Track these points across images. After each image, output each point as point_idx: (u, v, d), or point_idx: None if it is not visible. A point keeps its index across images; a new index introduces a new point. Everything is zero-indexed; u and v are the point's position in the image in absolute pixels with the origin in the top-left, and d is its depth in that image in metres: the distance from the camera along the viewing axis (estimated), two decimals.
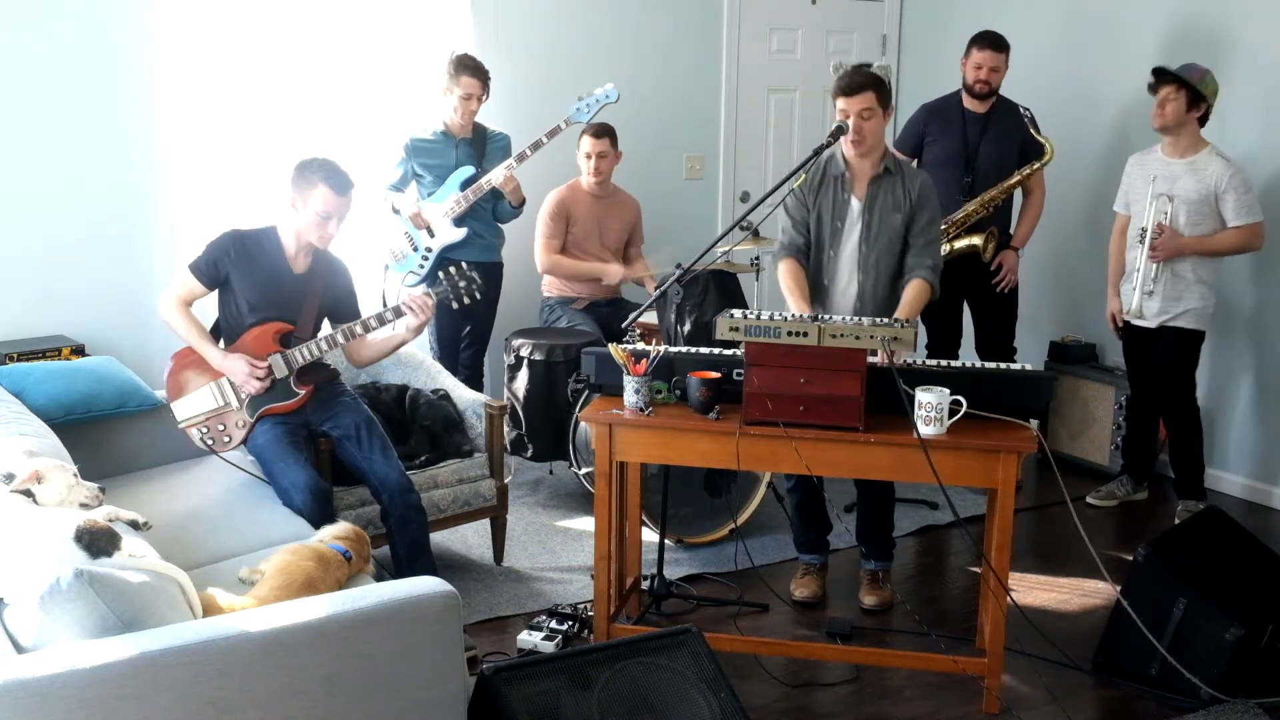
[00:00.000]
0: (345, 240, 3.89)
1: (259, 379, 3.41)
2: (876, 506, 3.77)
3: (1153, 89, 4.27)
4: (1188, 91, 4.16)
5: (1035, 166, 4.67)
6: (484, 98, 4.65)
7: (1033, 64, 5.37)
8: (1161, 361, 4.42)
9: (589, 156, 4.79)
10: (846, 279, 3.58)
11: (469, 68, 4.57)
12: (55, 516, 2.48)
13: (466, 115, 4.63)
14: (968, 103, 4.71)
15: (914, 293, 3.48)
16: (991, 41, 4.63)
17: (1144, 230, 4.23)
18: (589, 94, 4.57)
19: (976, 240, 4.61)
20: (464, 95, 4.57)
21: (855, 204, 3.55)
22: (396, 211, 4.70)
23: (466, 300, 3.54)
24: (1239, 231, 4.22)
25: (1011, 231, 4.85)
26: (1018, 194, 4.82)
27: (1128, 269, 4.44)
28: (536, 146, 4.53)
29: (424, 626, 2.26)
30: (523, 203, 4.71)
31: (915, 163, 4.73)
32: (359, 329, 3.49)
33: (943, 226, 4.37)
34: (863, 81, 3.44)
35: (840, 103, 3.46)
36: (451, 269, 3.53)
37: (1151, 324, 4.37)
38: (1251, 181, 4.27)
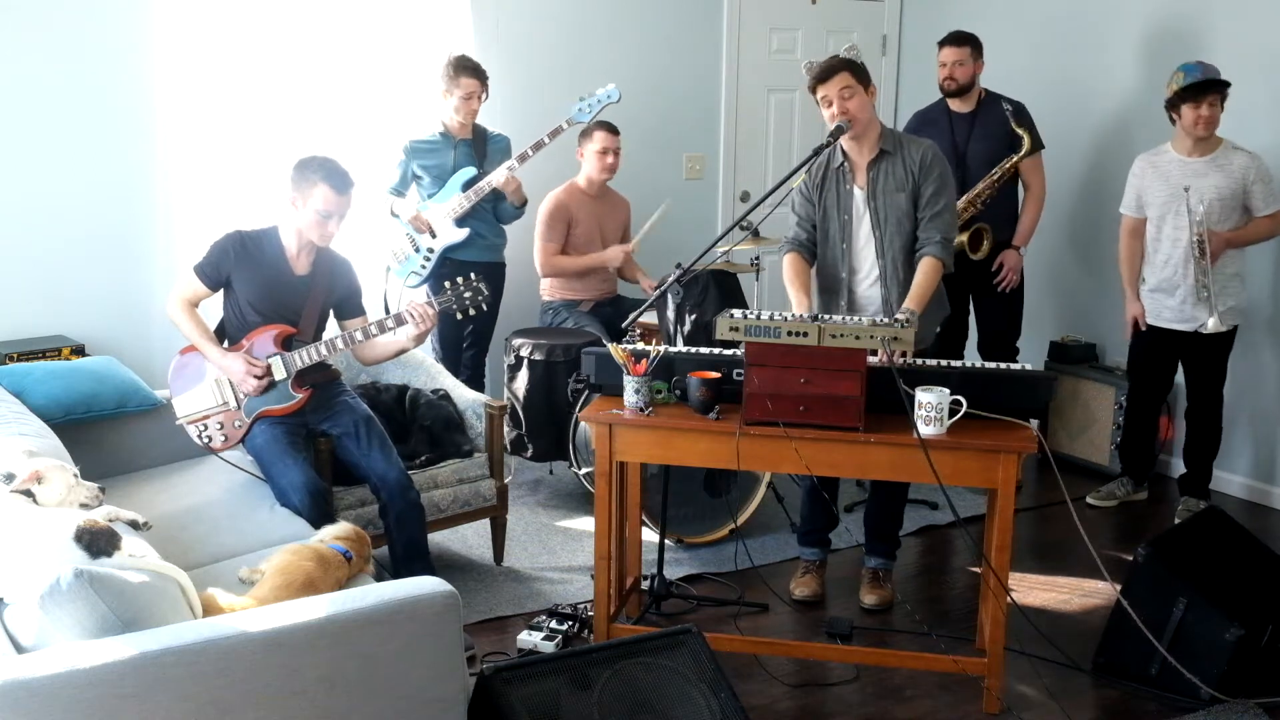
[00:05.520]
0: (347, 242, 3.89)
1: (256, 378, 3.41)
2: (889, 502, 3.77)
3: (1186, 99, 4.18)
4: (1222, 94, 4.18)
5: (1014, 159, 4.63)
6: (484, 97, 4.66)
7: (1028, 64, 5.38)
8: (1202, 361, 4.41)
9: (604, 152, 4.78)
10: (868, 267, 3.57)
11: (468, 68, 4.59)
12: (55, 516, 2.48)
13: (468, 115, 4.64)
14: (953, 104, 4.73)
15: (923, 274, 3.45)
16: (954, 38, 4.68)
17: (1199, 241, 4.16)
18: (590, 94, 4.57)
19: (962, 238, 4.60)
20: (464, 96, 4.58)
21: (858, 194, 3.54)
22: (396, 216, 4.71)
23: (472, 311, 3.53)
24: (1271, 219, 4.25)
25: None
26: (1021, 193, 4.82)
27: (1165, 275, 4.38)
28: (539, 146, 4.53)
29: (424, 626, 2.26)
30: (524, 203, 4.72)
31: None
32: (359, 335, 3.49)
33: None
34: (834, 64, 3.46)
35: (820, 91, 3.46)
36: (459, 280, 3.52)
37: (1206, 328, 4.25)
38: (1271, 170, 4.27)
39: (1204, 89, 4.17)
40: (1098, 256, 5.24)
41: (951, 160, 4.61)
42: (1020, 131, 4.61)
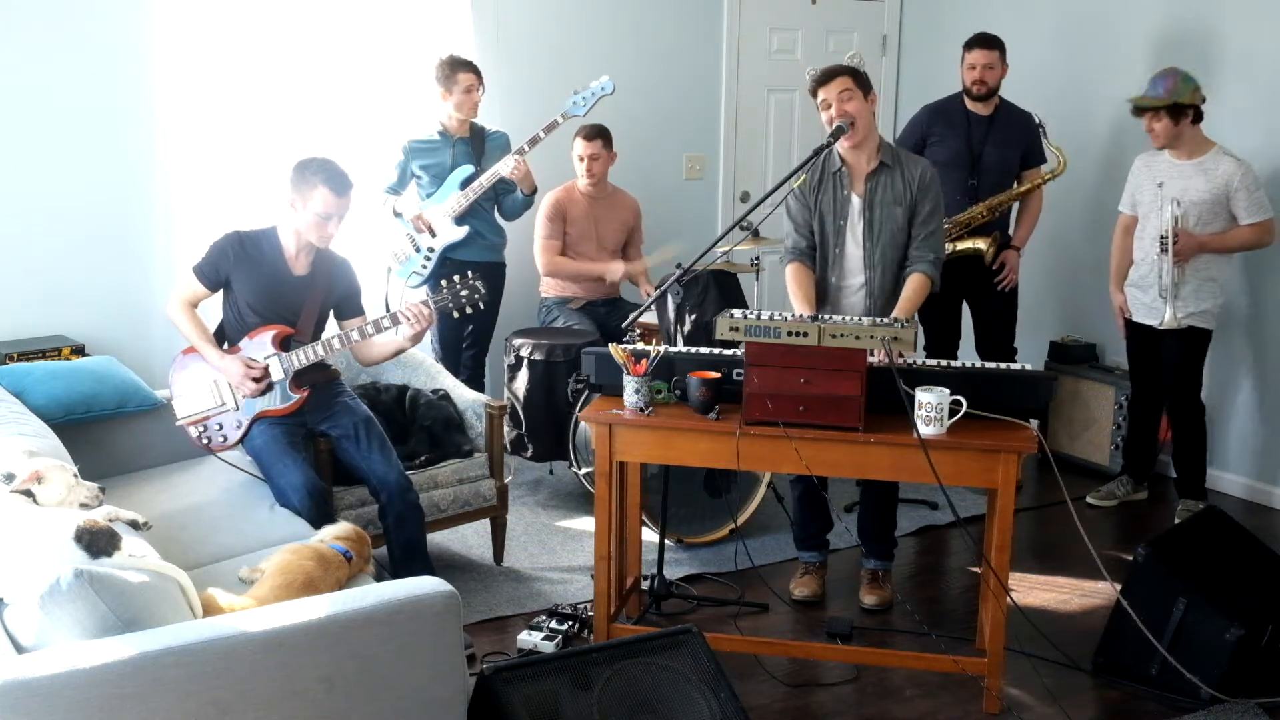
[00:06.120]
0: (346, 243, 3.89)
1: (255, 380, 3.41)
2: (879, 504, 3.77)
3: (1136, 114, 4.29)
4: (1166, 110, 4.18)
5: (1047, 176, 4.68)
6: (481, 89, 4.67)
7: (1031, 65, 5.37)
8: (1170, 360, 4.42)
9: (581, 159, 4.80)
10: (855, 276, 3.58)
11: (461, 63, 4.61)
12: (55, 516, 2.48)
13: (471, 109, 4.64)
14: (971, 105, 4.71)
15: (913, 288, 3.48)
16: (983, 41, 4.66)
17: (1164, 238, 4.19)
18: (585, 88, 4.57)
19: (981, 244, 4.61)
20: (465, 89, 4.59)
21: (855, 200, 3.54)
22: (399, 215, 4.71)
23: (469, 310, 3.52)
24: (1252, 228, 4.24)
25: (1011, 232, 4.85)
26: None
27: (1141, 272, 4.41)
28: (534, 142, 4.53)
29: (424, 626, 2.26)
30: (534, 190, 4.72)
31: None
32: (355, 335, 3.49)
33: (945, 226, 4.38)
34: (836, 68, 3.49)
35: (820, 94, 3.47)
36: (456, 278, 3.51)
37: (1162, 322, 4.32)
38: (1260, 179, 4.27)
39: (1139, 109, 4.26)
40: (1098, 257, 5.23)
41: (966, 162, 4.66)
42: (1055, 149, 4.66)
